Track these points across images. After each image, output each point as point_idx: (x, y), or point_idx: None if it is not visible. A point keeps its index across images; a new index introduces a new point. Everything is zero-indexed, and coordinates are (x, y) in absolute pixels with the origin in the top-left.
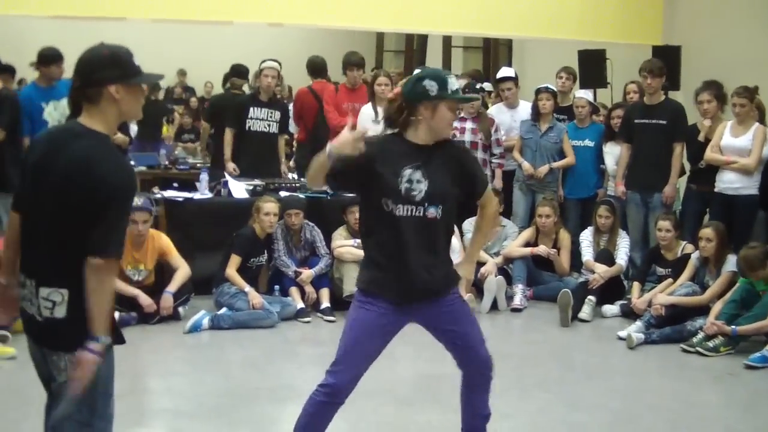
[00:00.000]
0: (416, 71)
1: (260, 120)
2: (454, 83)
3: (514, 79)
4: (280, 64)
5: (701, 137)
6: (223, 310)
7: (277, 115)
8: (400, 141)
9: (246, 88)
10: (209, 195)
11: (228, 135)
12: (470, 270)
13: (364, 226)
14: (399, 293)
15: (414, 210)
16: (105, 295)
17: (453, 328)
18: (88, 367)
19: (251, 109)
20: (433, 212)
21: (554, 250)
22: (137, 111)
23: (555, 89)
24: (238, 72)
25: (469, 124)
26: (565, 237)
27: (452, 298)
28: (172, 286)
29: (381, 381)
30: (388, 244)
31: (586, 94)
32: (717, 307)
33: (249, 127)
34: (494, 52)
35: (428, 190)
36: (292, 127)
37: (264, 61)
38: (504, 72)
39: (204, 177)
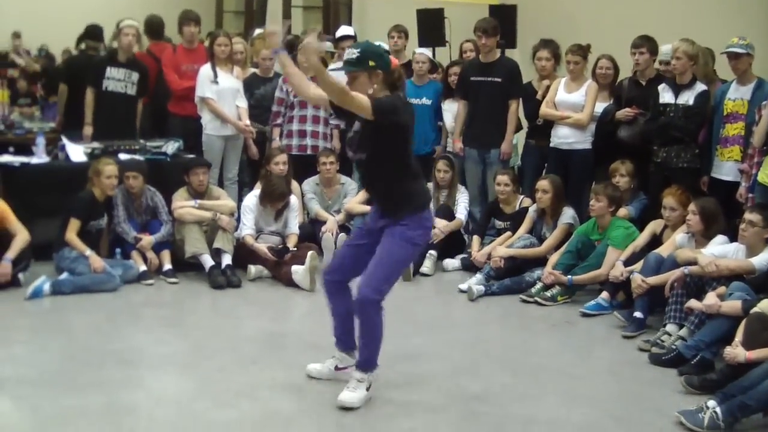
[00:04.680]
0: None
1: (117, 80)
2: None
3: (354, 38)
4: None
5: (539, 95)
6: (65, 274)
7: (136, 76)
8: None
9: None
10: (46, 159)
11: (89, 96)
12: None
13: None
14: None
15: None
16: None
17: None
18: None
19: (108, 69)
20: None
21: None
22: None
23: (389, 49)
24: (92, 34)
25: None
26: None
27: None
28: (11, 253)
29: (225, 340)
30: None
31: (427, 52)
32: (554, 258)
33: (106, 87)
34: (334, 11)
35: None
36: None
37: (122, 20)
38: (343, 30)
39: (41, 141)
